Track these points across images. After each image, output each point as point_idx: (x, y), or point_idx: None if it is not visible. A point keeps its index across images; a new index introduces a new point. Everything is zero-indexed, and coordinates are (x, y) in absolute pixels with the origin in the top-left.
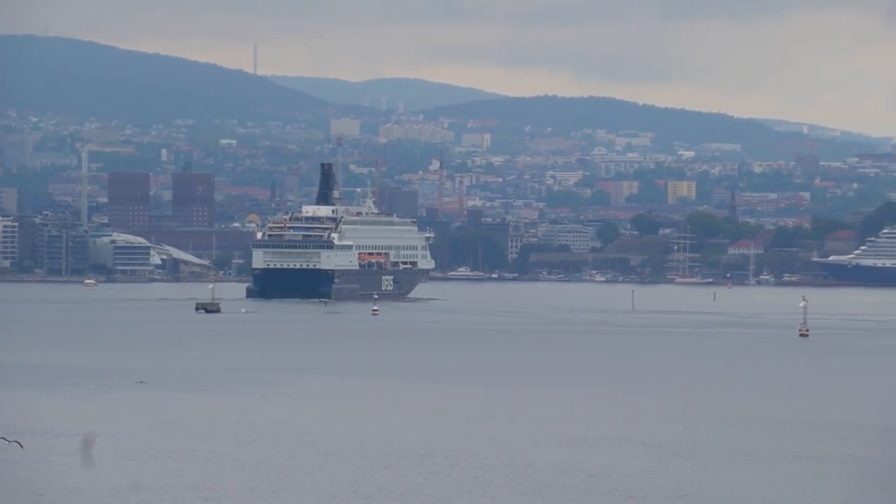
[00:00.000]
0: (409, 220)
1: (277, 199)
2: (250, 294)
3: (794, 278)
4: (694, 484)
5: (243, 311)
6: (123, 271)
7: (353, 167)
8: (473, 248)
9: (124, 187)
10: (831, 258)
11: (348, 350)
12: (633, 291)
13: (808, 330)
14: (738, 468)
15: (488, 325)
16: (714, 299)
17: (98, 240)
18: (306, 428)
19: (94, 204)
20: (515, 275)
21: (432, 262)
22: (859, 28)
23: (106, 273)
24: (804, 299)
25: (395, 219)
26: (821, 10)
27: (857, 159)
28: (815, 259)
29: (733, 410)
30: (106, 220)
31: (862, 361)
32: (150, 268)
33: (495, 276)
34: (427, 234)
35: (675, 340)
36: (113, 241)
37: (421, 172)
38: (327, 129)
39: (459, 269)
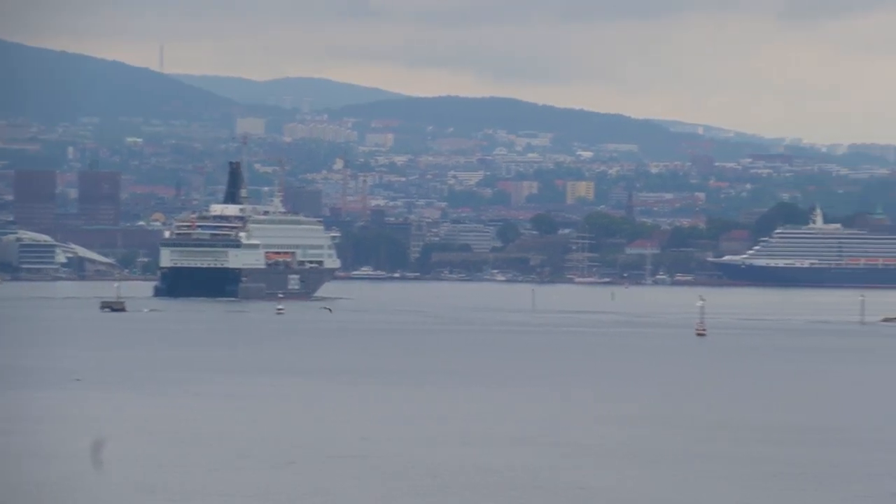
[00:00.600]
0: (315, 220)
1: (183, 197)
2: (158, 293)
3: (688, 278)
4: (595, 483)
5: (145, 310)
6: (29, 269)
7: (257, 166)
8: (376, 247)
9: (30, 185)
10: (725, 258)
11: (251, 349)
12: (533, 291)
13: (705, 329)
14: (640, 468)
15: (395, 325)
16: (612, 299)
17: (3, 238)
18: (203, 428)
19: (0, 202)
20: (417, 274)
21: (338, 261)
22: (752, 30)
23: (11, 271)
24: (701, 299)
25: (301, 218)
26: (715, 12)
27: (750, 160)
28: (709, 259)
29: (634, 410)
30: (12, 218)
31: (758, 361)
32: (56, 266)
33: (397, 275)
34: (333, 234)
35: (576, 340)
36: (19, 239)
37: (325, 172)
38: (232, 128)
39: (362, 269)
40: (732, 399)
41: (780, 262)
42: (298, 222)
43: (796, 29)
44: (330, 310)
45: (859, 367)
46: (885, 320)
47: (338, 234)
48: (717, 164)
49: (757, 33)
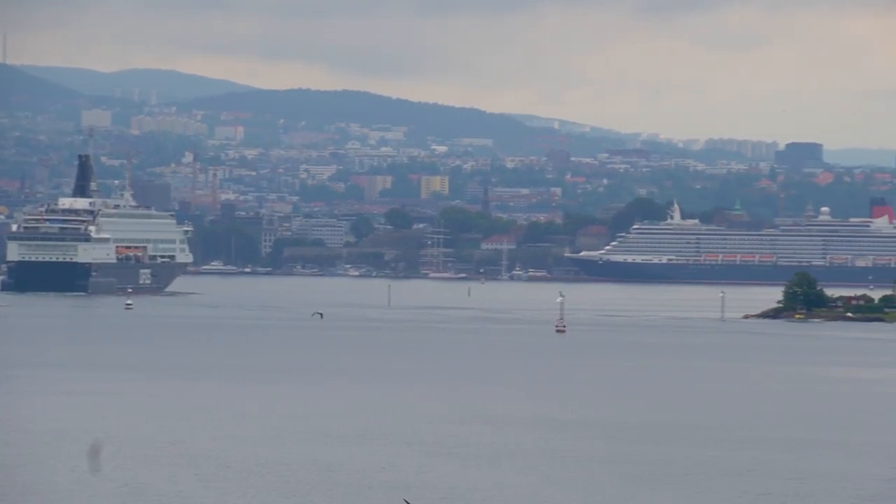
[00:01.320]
0: (167, 214)
1: (27, 190)
2: (5, 287)
3: (541, 273)
4: (443, 482)
5: None
6: None
7: (104, 159)
8: (227, 241)
9: None
10: (582, 254)
11: (97, 345)
12: (389, 286)
13: (565, 326)
14: (497, 466)
15: (248, 321)
16: (469, 294)
17: None
18: (50, 425)
19: None
20: (269, 269)
21: (190, 255)
22: (609, 24)
23: None
24: (561, 295)
25: (153, 212)
26: (571, 6)
27: (607, 155)
28: (566, 255)
29: (492, 409)
30: None
31: (619, 358)
32: None
33: (249, 270)
34: (185, 228)
35: (434, 337)
36: None
37: (174, 165)
38: (78, 121)
39: (213, 263)
40: (592, 397)
41: (638, 258)
42: (150, 216)
43: (654, 24)
44: (321, 315)
45: (721, 364)
46: (746, 317)
47: (190, 229)
48: (573, 158)
49: (614, 28)
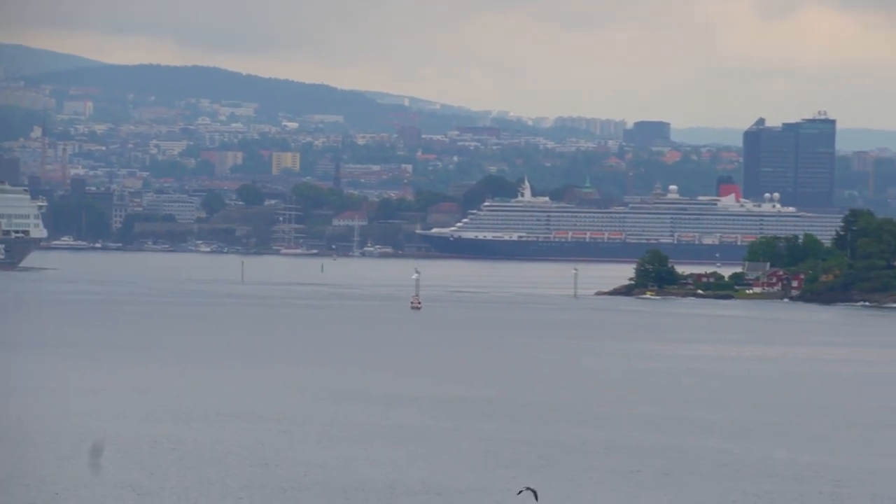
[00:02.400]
0: (20, 189)
1: None
2: None
3: (389, 250)
4: (313, 459)
5: None
6: None
7: None
8: (77, 217)
9: None
10: (434, 230)
11: None
12: (242, 262)
13: (420, 302)
14: (358, 442)
15: (105, 296)
16: (322, 270)
17: None
18: None
19: None
20: (120, 244)
21: (44, 231)
22: (460, 2)
23: None
24: (417, 272)
25: (7, 187)
26: None
27: (457, 132)
28: (418, 231)
29: (355, 385)
30: None
31: (474, 335)
32: None
33: (99, 245)
34: (39, 203)
35: (292, 313)
36: None
37: (22, 140)
38: None
39: (63, 239)
40: (451, 374)
41: (489, 235)
42: (4, 191)
43: (505, 2)
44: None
45: (576, 341)
46: (599, 294)
47: (44, 204)
48: (424, 136)
49: (465, 5)
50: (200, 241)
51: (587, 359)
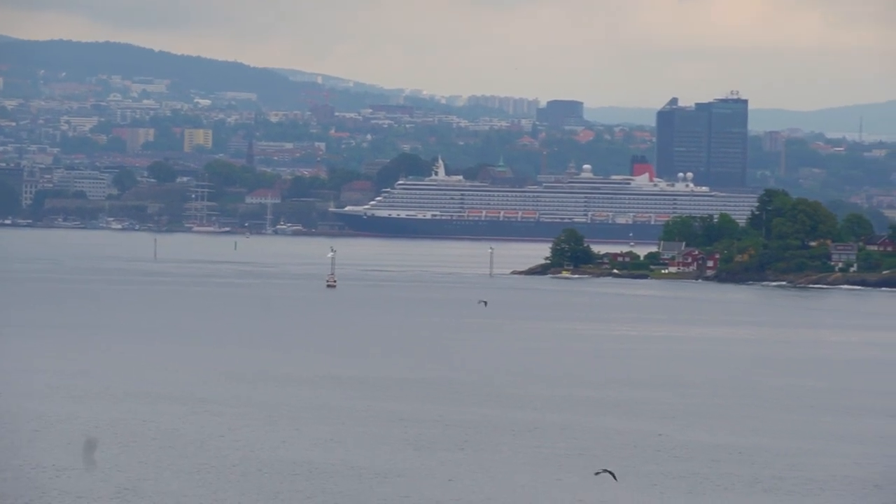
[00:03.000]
0: None
1: None
2: None
3: (301, 228)
4: (226, 440)
5: None
6: None
7: None
8: None
9: None
10: (348, 209)
11: None
12: (155, 240)
13: (335, 281)
14: (274, 423)
15: (19, 274)
16: (235, 248)
17: None
18: None
19: None
20: (30, 221)
21: None
22: None
23: None
24: (332, 250)
25: None
26: None
27: (370, 110)
28: (331, 209)
29: (274, 366)
30: None
31: (391, 314)
32: None
33: (9, 222)
34: None
35: (208, 291)
36: None
37: None
38: None
39: None
40: (370, 354)
41: (403, 214)
42: None
43: None
44: (485, 303)
45: (493, 320)
46: (514, 273)
47: None
48: (337, 114)
49: None
50: (112, 218)
51: (504, 339)
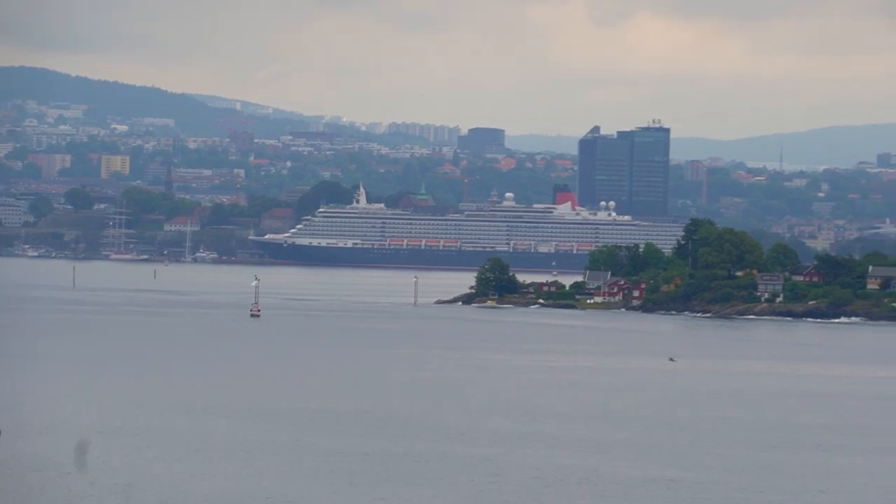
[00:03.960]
0: None
1: None
2: None
3: (215, 255)
4: (140, 471)
5: None
6: None
7: None
8: None
9: None
10: (268, 237)
11: None
12: (74, 268)
13: (259, 310)
14: (193, 455)
15: None
16: (155, 276)
17: None
18: None
19: None
20: None
21: None
22: (293, 6)
23: None
24: (256, 279)
25: None
26: None
27: (290, 137)
28: (251, 237)
29: (197, 396)
30: None
31: (315, 343)
32: None
33: None
34: None
35: (128, 320)
36: None
37: None
38: None
39: None
40: (297, 384)
41: (324, 242)
42: None
43: (337, 5)
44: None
45: (419, 350)
46: (439, 302)
47: None
48: (256, 140)
49: (298, 10)
50: (28, 246)
51: (429, 369)
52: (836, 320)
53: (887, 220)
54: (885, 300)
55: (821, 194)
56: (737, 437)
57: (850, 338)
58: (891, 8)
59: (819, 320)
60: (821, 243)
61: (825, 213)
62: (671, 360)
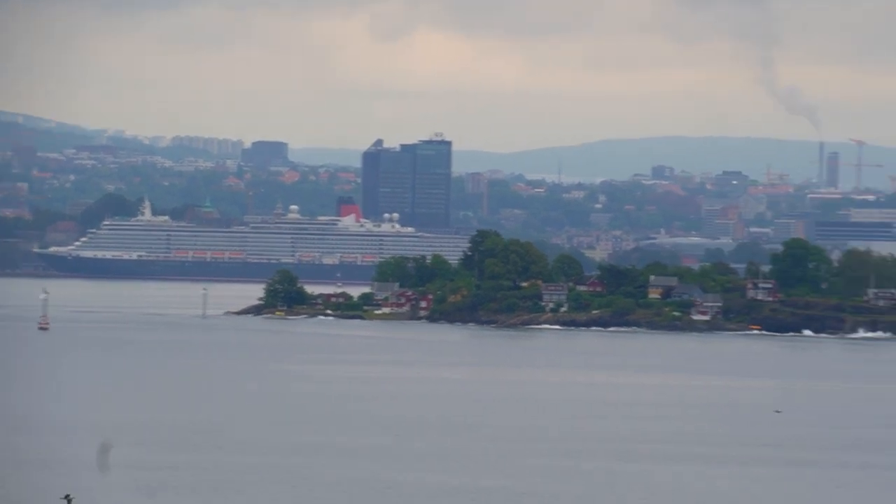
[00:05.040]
0: None
1: None
2: None
3: (8, 270)
4: None
5: None
6: None
7: None
8: None
9: None
10: (52, 249)
11: None
12: None
13: (48, 323)
14: None
15: None
16: None
17: None
18: None
19: None
20: None
21: None
22: (73, 17)
23: None
24: (45, 292)
25: None
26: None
27: (74, 151)
28: (35, 250)
29: None
30: None
31: (105, 355)
32: None
33: None
34: None
35: None
36: None
37: None
38: None
39: None
40: (94, 397)
41: (108, 254)
42: None
43: (120, 19)
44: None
45: (213, 361)
46: (228, 313)
47: None
48: (39, 154)
49: (79, 22)
50: None
51: (230, 382)
52: (619, 329)
53: (662, 230)
54: (667, 309)
55: (598, 206)
56: (525, 445)
57: (631, 347)
58: (667, 25)
59: (602, 329)
60: (599, 254)
61: (603, 224)
62: (777, 412)
